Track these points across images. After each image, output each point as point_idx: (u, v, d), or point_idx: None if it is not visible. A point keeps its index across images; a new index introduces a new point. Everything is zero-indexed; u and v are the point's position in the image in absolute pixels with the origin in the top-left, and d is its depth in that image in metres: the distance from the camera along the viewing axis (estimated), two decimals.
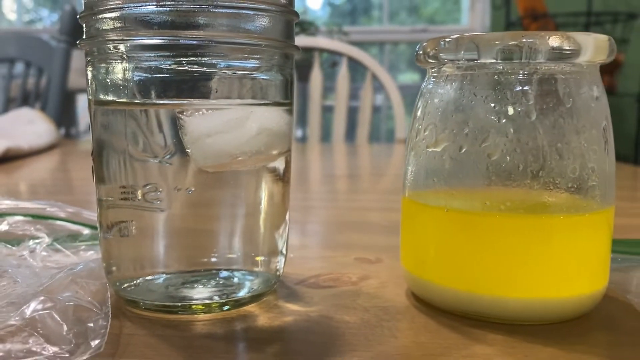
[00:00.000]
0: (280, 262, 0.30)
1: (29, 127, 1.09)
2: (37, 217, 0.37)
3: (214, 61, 0.25)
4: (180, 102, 0.25)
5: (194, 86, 0.25)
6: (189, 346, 0.24)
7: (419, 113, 0.28)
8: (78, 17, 0.26)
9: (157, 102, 0.25)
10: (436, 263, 0.27)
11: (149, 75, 0.25)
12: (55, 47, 1.53)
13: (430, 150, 0.27)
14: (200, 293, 0.27)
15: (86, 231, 0.37)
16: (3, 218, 0.37)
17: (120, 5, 0.24)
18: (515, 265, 0.25)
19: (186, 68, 0.25)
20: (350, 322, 0.26)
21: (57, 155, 1.01)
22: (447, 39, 0.26)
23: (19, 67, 1.67)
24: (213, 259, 0.28)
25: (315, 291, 0.30)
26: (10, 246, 0.35)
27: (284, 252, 0.30)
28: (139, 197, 0.27)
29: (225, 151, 0.26)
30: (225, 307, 0.27)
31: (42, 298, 0.24)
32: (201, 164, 0.26)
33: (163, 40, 0.24)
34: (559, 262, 0.25)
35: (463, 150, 0.26)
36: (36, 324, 0.23)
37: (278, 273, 0.30)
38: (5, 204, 0.39)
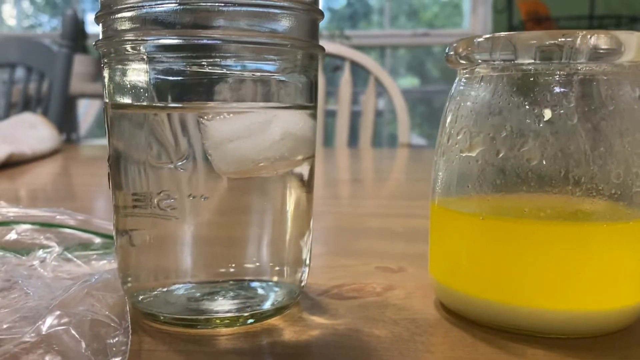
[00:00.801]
0: (304, 273, 0.28)
1: (31, 131, 1.08)
2: (47, 225, 0.36)
3: (236, 62, 0.24)
4: (201, 105, 0.24)
5: (216, 88, 0.24)
6: None
7: (450, 117, 0.27)
8: (94, 17, 0.25)
9: (178, 105, 0.24)
10: (470, 273, 0.26)
11: (170, 78, 0.24)
12: (57, 52, 1.52)
13: (464, 155, 0.26)
14: (222, 306, 0.26)
15: (97, 240, 0.36)
16: (11, 226, 0.36)
17: (139, 4, 0.23)
18: (554, 276, 0.24)
19: (208, 70, 0.24)
20: (381, 337, 0.25)
21: (60, 161, 1.00)
22: (481, 39, 0.25)
23: (20, 72, 1.66)
24: (232, 269, 0.26)
25: (339, 302, 0.29)
26: (19, 256, 0.33)
27: (308, 261, 0.29)
28: (154, 205, 0.25)
29: (247, 156, 0.25)
30: (249, 321, 0.26)
31: (57, 313, 0.23)
32: (223, 170, 0.25)
33: (184, 41, 0.23)
34: (601, 273, 0.24)
35: (500, 155, 0.24)
36: (52, 340, 0.22)
37: (302, 284, 0.28)
38: (14, 211, 0.38)
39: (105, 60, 0.25)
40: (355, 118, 1.53)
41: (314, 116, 0.27)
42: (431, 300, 0.29)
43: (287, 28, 0.25)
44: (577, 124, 0.24)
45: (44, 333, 0.22)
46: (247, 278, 0.27)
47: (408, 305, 0.29)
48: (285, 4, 0.24)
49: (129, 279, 0.27)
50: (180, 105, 0.24)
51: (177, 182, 0.25)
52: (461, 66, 0.26)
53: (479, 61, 0.25)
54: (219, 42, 0.23)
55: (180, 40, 0.23)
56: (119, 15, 0.24)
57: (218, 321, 0.25)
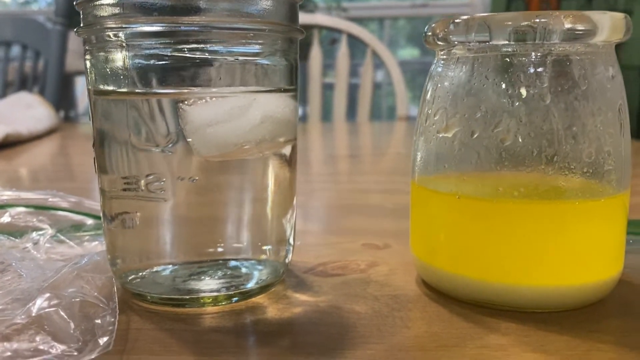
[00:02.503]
0: (288, 251, 0.29)
1: (28, 111, 1.08)
2: (40, 207, 0.37)
3: (215, 47, 0.24)
4: (180, 90, 0.24)
5: (195, 74, 0.24)
6: (199, 340, 0.23)
7: (428, 97, 0.27)
8: (75, 3, 0.25)
9: (158, 91, 0.25)
10: (447, 250, 0.26)
11: (149, 63, 0.24)
12: (51, 29, 1.51)
13: (440, 135, 0.26)
14: (208, 285, 0.27)
15: (89, 221, 0.36)
16: (5, 209, 0.36)
17: None
18: (529, 253, 0.24)
19: (187, 55, 0.24)
20: (361, 313, 0.26)
21: (57, 140, 1.00)
22: (457, 20, 0.25)
23: (16, 50, 1.66)
24: (219, 249, 0.27)
25: (323, 280, 0.30)
26: (13, 238, 0.34)
27: (292, 240, 0.30)
28: (142, 188, 0.26)
29: (227, 141, 0.25)
30: (234, 299, 0.27)
31: (47, 295, 0.24)
32: (203, 154, 0.25)
33: (163, 27, 0.23)
34: (574, 249, 0.24)
35: (475, 135, 0.25)
36: (43, 321, 0.23)
37: (286, 262, 0.29)
38: (7, 194, 0.38)
39: (87, 47, 0.26)
40: (353, 91, 1.53)
41: (294, 98, 0.28)
42: (413, 276, 0.30)
43: (265, 12, 0.25)
44: (550, 104, 0.24)
45: (34, 315, 0.23)
46: (232, 257, 0.28)
47: (390, 281, 0.29)
48: None
49: (118, 260, 0.28)
50: (159, 91, 0.24)
51: (165, 165, 0.26)
52: (438, 47, 0.27)
53: (455, 42, 0.25)
54: (196, 28, 0.23)
55: (159, 27, 0.23)
56: (98, 2, 0.24)
57: (204, 300, 0.26)
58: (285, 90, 0.27)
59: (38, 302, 0.24)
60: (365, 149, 0.89)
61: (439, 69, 0.27)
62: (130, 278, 0.27)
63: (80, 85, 2.32)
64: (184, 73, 0.24)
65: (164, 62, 0.24)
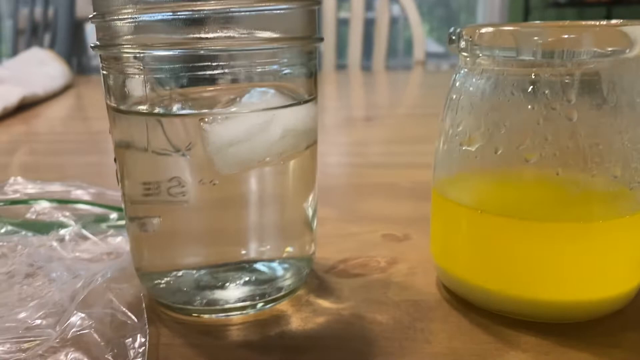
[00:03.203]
0: (312, 249, 0.29)
1: (42, 68, 1.08)
2: (63, 202, 0.37)
3: (233, 68, 0.24)
4: (201, 111, 0.24)
5: (214, 94, 0.24)
6: (227, 358, 0.24)
7: (451, 104, 0.27)
8: (89, 19, 0.25)
9: (178, 112, 0.24)
10: (468, 261, 0.27)
11: (168, 87, 0.24)
12: None
13: (463, 148, 0.26)
14: (234, 294, 0.27)
15: (112, 214, 0.37)
16: (30, 204, 0.37)
17: (133, 15, 0.23)
18: (551, 269, 0.25)
19: (206, 76, 0.24)
20: (383, 323, 0.26)
21: (72, 99, 1.00)
22: (483, 31, 0.24)
23: None
24: (243, 251, 0.28)
25: (344, 281, 0.30)
26: (40, 235, 0.35)
27: (314, 244, 0.30)
28: (164, 192, 0.26)
29: (249, 158, 0.25)
30: (259, 306, 0.27)
31: (81, 315, 0.25)
32: (225, 172, 0.25)
33: (181, 52, 0.23)
34: (597, 265, 0.24)
35: (499, 152, 0.25)
36: (77, 343, 0.24)
37: (311, 262, 0.29)
38: (31, 187, 0.39)
39: (103, 64, 0.25)
40: (369, 26, 1.49)
41: (315, 104, 0.28)
42: (432, 277, 0.30)
43: (283, 28, 0.24)
44: (577, 122, 0.23)
45: (68, 337, 0.24)
46: (256, 259, 0.28)
47: (410, 283, 0.30)
48: (282, 4, 0.24)
49: (142, 265, 0.28)
50: (180, 112, 0.24)
51: (186, 169, 0.26)
52: (462, 56, 0.26)
53: (479, 55, 0.25)
54: (214, 52, 0.23)
55: (177, 52, 0.23)
56: (114, 21, 0.23)
57: (229, 309, 0.27)
58: (305, 101, 0.27)
59: (72, 320, 0.25)
60: (381, 108, 0.88)
61: (463, 77, 0.26)
62: (155, 282, 0.28)
63: (91, 32, 2.29)
64: (204, 94, 0.24)
65: (181, 84, 0.24)
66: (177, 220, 0.27)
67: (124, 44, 0.23)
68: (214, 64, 0.23)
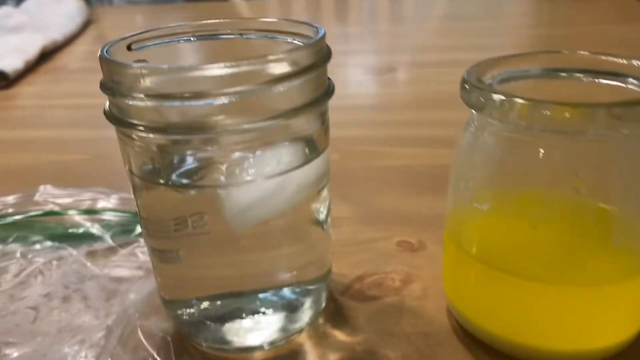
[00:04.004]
0: (329, 269, 0.31)
1: (58, 7, 1.07)
2: (92, 212, 0.39)
3: (251, 145, 0.24)
4: (216, 184, 0.25)
5: (230, 168, 0.25)
6: None
7: (463, 154, 0.27)
8: (100, 87, 0.25)
9: (195, 184, 0.25)
10: (477, 306, 0.28)
11: (185, 165, 0.24)
12: None
13: (474, 205, 0.26)
14: (259, 337, 0.29)
15: (138, 228, 0.39)
16: (61, 215, 0.39)
17: (148, 100, 0.23)
18: (555, 324, 0.26)
19: (222, 157, 0.24)
20: None
21: (91, 44, 0.99)
22: (495, 98, 0.24)
23: None
24: (265, 280, 0.29)
25: (360, 307, 0.32)
26: (71, 249, 0.37)
27: (331, 258, 0.31)
28: (188, 227, 0.27)
29: (264, 217, 0.26)
30: (281, 342, 0.29)
31: None
32: (241, 230, 0.26)
33: (199, 136, 0.23)
34: (601, 321, 0.25)
35: (508, 216, 0.25)
36: None
37: (328, 284, 0.31)
38: (59, 196, 0.41)
39: (119, 134, 0.26)
40: None
41: (327, 149, 0.28)
42: (443, 301, 0.32)
43: (292, 99, 0.24)
44: (587, 196, 0.24)
45: None
46: (277, 286, 0.29)
47: (422, 309, 0.31)
48: (287, 70, 0.23)
49: (167, 297, 0.30)
50: (196, 184, 0.25)
51: (206, 203, 0.27)
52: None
53: (489, 120, 0.24)
54: (226, 134, 0.23)
55: (196, 136, 0.23)
56: (125, 101, 0.24)
57: (253, 347, 0.29)
58: (320, 153, 0.27)
59: None
60: (408, 53, 0.86)
61: (475, 131, 0.26)
62: (179, 313, 0.30)
63: None
64: (220, 167, 0.24)
65: (199, 162, 0.24)
66: (198, 252, 0.28)
67: (137, 128, 0.24)
68: (227, 143, 0.24)
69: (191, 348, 0.29)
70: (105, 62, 0.24)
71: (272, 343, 0.29)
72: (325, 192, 0.29)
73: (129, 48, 0.28)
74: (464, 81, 0.26)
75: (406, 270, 0.35)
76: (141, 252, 0.37)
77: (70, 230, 0.38)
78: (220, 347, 0.29)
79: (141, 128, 0.23)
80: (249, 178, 0.25)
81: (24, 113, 0.68)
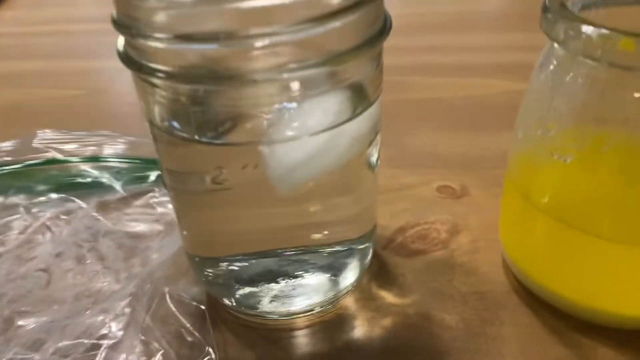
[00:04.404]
0: (375, 228, 0.28)
1: None
2: (99, 159, 0.35)
3: (295, 95, 0.20)
4: (256, 140, 0.21)
5: (270, 121, 0.21)
6: None
7: (542, 97, 0.23)
8: (112, 24, 0.20)
9: (233, 141, 0.21)
10: (544, 266, 0.25)
11: (219, 118, 0.21)
12: None
13: (555, 156, 0.23)
14: (303, 298, 0.26)
15: (152, 177, 0.35)
16: (65, 164, 0.35)
17: (172, 43, 0.19)
18: (628, 286, 0.23)
19: (261, 107, 0.20)
20: (453, 327, 0.26)
21: None
22: (591, 32, 0.20)
23: None
24: (309, 239, 0.26)
25: (405, 262, 0.29)
26: (80, 201, 0.34)
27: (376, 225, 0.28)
28: (224, 181, 0.24)
29: (313, 177, 0.23)
30: (325, 305, 0.27)
31: (150, 344, 0.24)
32: (287, 193, 0.23)
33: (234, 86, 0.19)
34: None
35: (597, 171, 0.22)
36: None
37: (374, 242, 0.28)
38: (59, 140, 0.37)
39: (135, 79, 0.21)
40: None
41: (379, 96, 0.24)
42: (496, 255, 0.29)
43: (344, 38, 0.20)
44: None
45: None
46: (321, 250, 0.26)
47: (474, 265, 0.29)
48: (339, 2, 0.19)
49: (195, 254, 0.27)
50: (234, 141, 0.21)
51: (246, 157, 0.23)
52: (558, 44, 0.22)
53: (580, 59, 0.21)
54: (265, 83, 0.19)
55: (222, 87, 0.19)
56: (147, 42, 0.19)
57: (295, 314, 0.26)
58: (375, 100, 0.23)
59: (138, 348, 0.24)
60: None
61: (560, 68, 0.22)
62: (210, 274, 0.26)
63: None
64: (259, 121, 0.21)
65: (236, 116, 0.20)
66: (234, 206, 0.25)
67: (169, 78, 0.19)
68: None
69: (227, 315, 0.27)
70: None
71: (316, 307, 0.26)
72: (378, 137, 0.25)
73: None
74: (544, 8, 0.22)
75: (451, 220, 0.32)
76: (157, 203, 0.34)
77: (77, 180, 0.34)
78: (259, 314, 0.26)
79: (165, 75, 0.19)
80: (293, 133, 0.21)
81: (5, 42, 0.62)
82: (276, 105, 0.20)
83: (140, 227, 0.32)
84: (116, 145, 0.36)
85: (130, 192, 0.34)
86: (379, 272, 0.29)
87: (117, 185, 0.34)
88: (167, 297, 0.27)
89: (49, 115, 0.44)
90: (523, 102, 0.25)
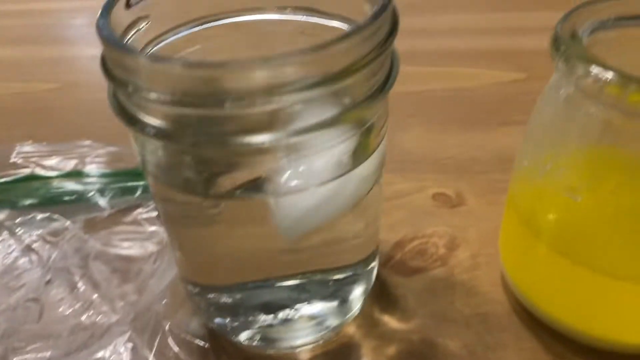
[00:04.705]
0: (377, 262, 0.28)
1: None
2: (79, 175, 0.34)
3: (303, 152, 0.19)
4: (262, 193, 0.20)
5: (276, 176, 0.20)
6: None
7: (552, 127, 0.23)
8: (103, 72, 0.19)
9: (236, 195, 0.20)
10: (545, 293, 0.25)
11: (222, 172, 0.20)
12: None
13: (565, 194, 0.22)
14: (307, 328, 0.26)
15: (138, 190, 0.34)
16: (46, 180, 0.33)
17: (169, 107, 0.17)
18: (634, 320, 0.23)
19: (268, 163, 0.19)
20: (456, 354, 0.26)
21: None
22: (599, 74, 0.19)
23: None
24: (312, 266, 0.25)
25: (406, 282, 0.29)
26: (66, 220, 0.33)
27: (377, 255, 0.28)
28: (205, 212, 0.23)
29: (322, 223, 0.22)
30: (328, 334, 0.26)
31: None
32: (294, 240, 0.22)
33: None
34: None
35: (608, 212, 0.21)
36: None
37: (376, 267, 0.28)
38: (40, 154, 0.35)
39: (135, 136, 0.20)
40: None
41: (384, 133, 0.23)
42: (496, 272, 0.29)
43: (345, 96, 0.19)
44: None
45: None
46: (323, 280, 0.26)
47: (475, 283, 0.29)
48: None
49: (191, 288, 0.26)
50: (236, 195, 0.20)
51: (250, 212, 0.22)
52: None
53: (596, 100, 0.20)
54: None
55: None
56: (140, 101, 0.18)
57: (297, 346, 0.26)
58: (383, 137, 0.22)
59: None
60: None
61: (570, 106, 0.22)
62: (209, 306, 0.26)
63: None
64: (267, 175, 0.20)
65: (240, 170, 0.19)
66: (232, 240, 0.24)
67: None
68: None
69: (231, 348, 0.26)
70: (112, 48, 0.18)
71: (320, 337, 0.26)
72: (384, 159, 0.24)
73: (127, 5, 0.21)
74: (555, 39, 0.21)
75: (449, 233, 0.32)
76: (145, 220, 0.33)
77: (60, 197, 0.33)
78: (261, 346, 0.26)
79: (162, 133, 0.18)
80: (300, 186, 0.20)
81: None
82: (280, 162, 0.19)
83: (131, 249, 0.31)
84: (99, 157, 0.35)
85: (117, 207, 0.33)
86: (381, 294, 0.29)
87: (103, 202, 0.33)
88: (169, 334, 0.26)
89: (15, 115, 0.41)
90: (529, 128, 0.24)
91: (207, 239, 0.23)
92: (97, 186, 0.34)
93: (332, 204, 0.21)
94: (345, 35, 0.17)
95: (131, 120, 0.19)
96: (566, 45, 0.20)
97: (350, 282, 0.26)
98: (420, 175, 0.36)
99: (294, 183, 0.20)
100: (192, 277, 0.25)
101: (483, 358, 0.26)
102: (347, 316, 0.26)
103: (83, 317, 0.28)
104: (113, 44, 0.18)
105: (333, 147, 0.20)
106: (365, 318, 0.28)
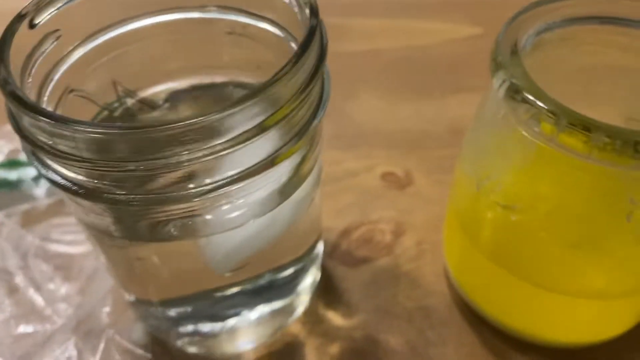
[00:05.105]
0: (320, 248, 0.27)
1: None
2: (15, 163, 0.32)
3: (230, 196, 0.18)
4: (196, 237, 0.19)
5: (206, 217, 0.19)
6: None
7: (483, 141, 0.22)
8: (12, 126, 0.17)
9: (169, 237, 0.19)
10: (485, 294, 0.26)
11: (151, 219, 0.19)
12: None
13: (499, 210, 0.22)
14: (249, 331, 0.26)
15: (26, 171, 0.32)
16: None
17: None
18: (567, 324, 0.24)
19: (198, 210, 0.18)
20: (398, 350, 0.26)
21: None
22: (533, 105, 0.18)
23: None
24: (251, 272, 0.25)
25: (351, 274, 0.29)
26: (0, 214, 0.31)
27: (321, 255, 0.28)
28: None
29: (255, 252, 0.21)
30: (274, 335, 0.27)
31: None
32: (225, 273, 0.22)
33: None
34: (614, 320, 0.24)
35: (541, 230, 0.21)
36: None
37: (320, 265, 0.28)
38: None
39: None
40: None
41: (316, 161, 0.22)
42: (439, 264, 0.29)
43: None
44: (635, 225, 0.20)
45: None
46: (268, 284, 0.26)
47: (419, 274, 0.29)
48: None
49: (129, 298, 0.26)
50: (170, 237, 0.19)
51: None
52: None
53: (530, 131, 0.19)
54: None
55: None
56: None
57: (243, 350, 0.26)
58: (315, 163, 0.21)
59: None
60: None
61: (505, 124, 0.21)
62: (149, 315, 0.26)
63: None
64: (195, 219, 0.19)
65: (171, 218, 0.18)
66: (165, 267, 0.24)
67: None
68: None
69: (174, 352, 0.27)
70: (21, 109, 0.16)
71: (263, 339, 0.27)
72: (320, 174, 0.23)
73: (31, 25, 0.19)
74: (495, 53, 0.20)
75: (395, 218, 0.31)
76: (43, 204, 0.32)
77: None
78: (207, 353, 0.26)
79: (84, 192, 0.17)
80: (231, 225, 0.19)
81: None
82: (208, 206, 0.18)
83: (71, 244, 0.30)
84: None
85: (54, 197, 0.32)
86: (326, 288, 0.29)
87: (40, 191, 0.32)
88: (112, 343, 0.26)
89: None
90: (469, 136, 0.24)
91: (136, 266, 0.22)
92: (31, 174, 0.32)
93: (266, 233, 0.21)
94: (263, 86, 0.16)
95: (44, 170, 0.17)
96: (505, 69, 0.19)
97: (293, 279, 0.26)
98: (370, 151, 0.35)
99: (225, 221, 0.19)
100: (127, 290, 0.25)
101: (424, 354, 0.26)
102: (293, 316, 0.27)
103: (27, 323, 0.27)
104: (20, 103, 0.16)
105: (265, 186, 0.19)
106: (310, 315, 0.28)
